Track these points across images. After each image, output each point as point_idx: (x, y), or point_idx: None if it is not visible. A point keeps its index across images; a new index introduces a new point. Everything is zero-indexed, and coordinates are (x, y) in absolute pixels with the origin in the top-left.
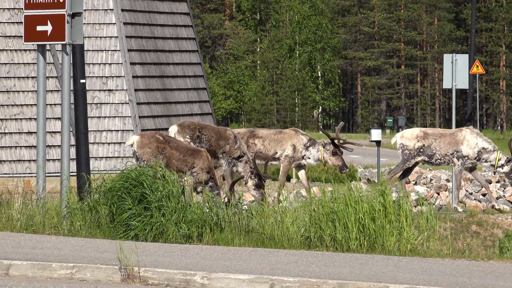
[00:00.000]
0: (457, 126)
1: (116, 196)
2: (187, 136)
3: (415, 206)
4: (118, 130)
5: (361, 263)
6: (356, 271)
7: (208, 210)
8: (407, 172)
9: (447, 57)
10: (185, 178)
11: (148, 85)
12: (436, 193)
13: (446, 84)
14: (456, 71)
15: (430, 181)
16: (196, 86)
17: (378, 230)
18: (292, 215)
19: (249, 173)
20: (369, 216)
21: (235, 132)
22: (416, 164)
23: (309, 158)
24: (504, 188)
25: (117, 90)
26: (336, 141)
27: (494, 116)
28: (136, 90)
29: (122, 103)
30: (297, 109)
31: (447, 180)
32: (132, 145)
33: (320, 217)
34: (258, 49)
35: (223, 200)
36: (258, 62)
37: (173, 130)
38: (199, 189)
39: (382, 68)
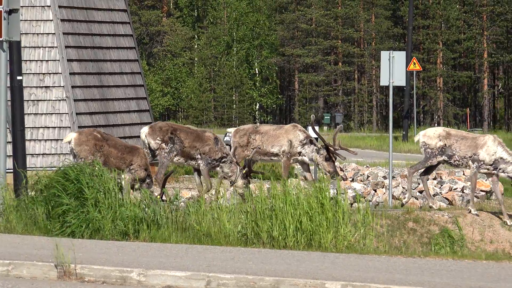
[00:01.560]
0: (394, 123)
1: (53, 193)
2: (158, 138)
3: (352, 203)
4: (55, 127)
5: (298, 260)
6: (292, 268)
7: (145, 207)
8: (429, 170)
9: (384, 54)
10: (123, 176)
11: (85, 82)
12: (373, 190)
13: (383, 81)
14: (393, 68)
15: (367, 178)
16: (133, 83)
17: (315, 227)
18: (229, 212)
19: (238, 172)
20: (306, 213)
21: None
22: (438, 163)
23: (305, 156)
24: (441, 185)
25: (54, 87)
26: (331, 147)
27: (431, 113)
28: (73, 87)
29: (59, 100)
30: (234, 106)
31: (384, 177)
32: (69, 142)
33: (257, 214)
34: (196, 46)
35: (158, 196)
36: (196, 59)
37: (143, 132)
38: (136, 186)
39: (319, 65)
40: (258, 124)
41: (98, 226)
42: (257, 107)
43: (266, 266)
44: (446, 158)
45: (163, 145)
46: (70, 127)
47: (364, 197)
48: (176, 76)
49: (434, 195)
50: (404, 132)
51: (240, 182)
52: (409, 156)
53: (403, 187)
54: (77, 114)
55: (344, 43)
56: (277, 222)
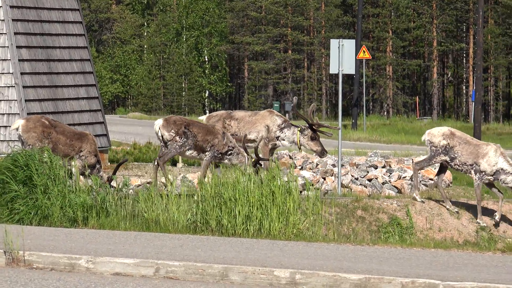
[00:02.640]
0: (343, 112)
1: (1, 179)
2: (172, 131)
3: (302, 191)
4: (3, 114)
5: (247, 248)
6: (241, 256)
7: (94, 194)
8: (441, 170)
9: (334, 42)
10: (73, 163)
11: (34, 69)
12: (322, 178)
13: (333, 69)
14: (343, 56)
15: (316, 166)
16: (82, 70)
17: (264, 215)
18: (178, 200)
19: (248, 160)
20: (256, 201)
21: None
22: (442, 162)
23: (284, 140)
24: (390, 174)
25: (3, 73)
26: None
27: (380, 102)
28: (22, 73)
29: (8, 87)
30: (184, 93)
31: (333, 165)
32: (17, 129)
33: (207, 202)
34: (145, 33)
35: (105, 182)
36: (145, 46)
37: (158, 124)
38: (86, 173)
39: (269, 53)
40: (231, 110)
41: (47, 213)
42: (207, 94)
43: (215, 253)
44: (448, 159)
45: (177, 138)
46: (19, 113)
47: (313, 185)
48: (125, 63)
49: (383, 183)
50: (353, 120)
51: (250, 170)
52: (358, 144)
53: (352, 175)
54: (26, 101)
55: (293, 31)
56: (227, 210)
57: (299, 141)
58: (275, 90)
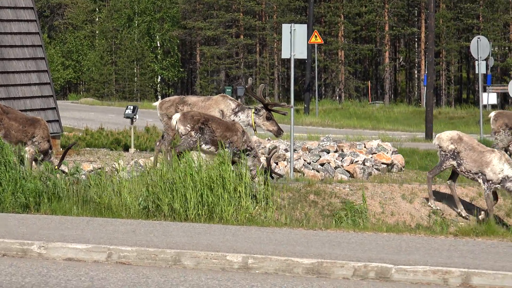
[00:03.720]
0: (295, 96)
1: None
2: (188, 126)
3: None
4: None
5: (199, 233)
6: (194, 241)
7: (46, 180)
8: (454, 175)
9: (285, 27)
10: (26, 148)
11: None
12: (275, 162)
13: (285, 54)
14: (295, 41)
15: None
16: (34, 55)
17: (216, 200)
18: (130, 185)
19: (260, 168)
20: (208, 186)
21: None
22: (452, 167)
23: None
24: (342, 158)
25: None
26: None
27: (332, 86)
28: None
29: None
30: (136, 79)
31: (286, 150)
32: None
33: (159, 187)
34: (97, 19)
35: (56, 167)
36: (97, 32)
37: (175, 118)
38: (39, 159)
39: (221, 38)
40: (184, 95)
41: None
42: (159, 80)
43: (167, 238)
44: (455, 165)
45: (192, 132)
46: None
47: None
48: (77, 49)
49: (335, 168)
50: (305, 105)
51: (260, 178)
52: (311, 129)
53: (304, 160)
54: None
55: (245, 16)
56: (179, 194)
57: (254, 122)
58: (227, 75)
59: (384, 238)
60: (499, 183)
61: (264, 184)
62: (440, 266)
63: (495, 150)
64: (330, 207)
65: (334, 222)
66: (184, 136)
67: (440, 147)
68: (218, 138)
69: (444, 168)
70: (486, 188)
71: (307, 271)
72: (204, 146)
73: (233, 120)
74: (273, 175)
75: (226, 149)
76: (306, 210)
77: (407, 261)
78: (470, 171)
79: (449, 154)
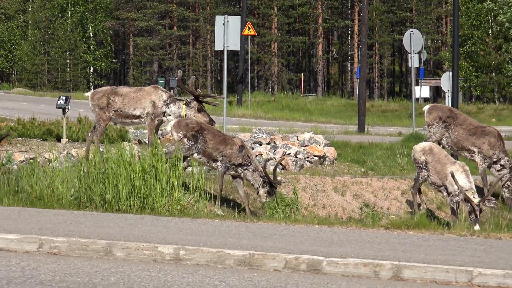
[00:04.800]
0: (228, 88)
1: None
2: (181, 133)
3: (186, 167)
4: None
5: (131, 224)
6: (125, 232)
7: None
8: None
9: (219, 19)
10: None
11: None
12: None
13: (218, 46)
14: (228, 33)
15: None
16: None
17: (148, 191)
18: (62, 175)
19: (261, 181)
20: (140, 177)
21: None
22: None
23: (170, 115)
24: (275, 150)
25: None
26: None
27: (265, 78)
28: None
29: None
30: (68, 69)
31: None
32: None
33: (91, 178)
34: (30, 9)
35: None
36: (30, 21)
37: (170, 124)
38: None
39: (154, 29)
40: (116, 86)
41: None
42: (91, 70)
43: (99, 229)
44: (427, 176)
45: (185, 140)
46: None
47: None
48: (9, 38)
49: (267, 160)
50: (238, 97)
51: (261, 191)
52: (243, 121)
53: None
54: None
55: (179, 7)
56: (110, 185)
57: (186, 114)
58: (160, 66)
59: (315, 231)
60: (457, 195)
61: (270, 195)
62: (371, 259)
63: (456, 162)
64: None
65: (266, 214)
66: (177, 143)
67: (414, 158)
68: (210, 150)
69: (421, 180)
70: (449, 202)
71: (239, 263)
72: (196, 155)
73: (164, 112)
74: (274, 184)
75: (218, 163)
76: (238, 202)
77: (339, 254)
78: (435, 183)
79: (421, 166)
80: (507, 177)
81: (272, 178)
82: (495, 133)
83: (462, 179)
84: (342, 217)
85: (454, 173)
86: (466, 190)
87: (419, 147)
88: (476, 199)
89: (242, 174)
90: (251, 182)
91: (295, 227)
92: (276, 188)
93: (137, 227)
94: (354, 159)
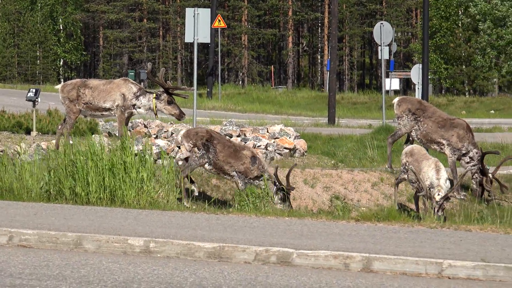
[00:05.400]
0: (198, 80)
1: None
2: (191, 142)
3: (156, 160)
4: None
5: (101, 216)
6: (95, 224)
7: None
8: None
9: (189, 11)
10: None
11: None
12: (177, 147)
13: (188, 38)
14: (198, 25)
15: (171, 134)
16: None
17: (118, 184)
18: (32, 168)
19: (274, 188)
20: (109, 170)
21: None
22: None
23: (140, 108)
24: (245, 142)
25: None
26: (170, 90)
27: (235, 71)
28: None
29: None
30: (38, 61)
31: None
32: None
33: (61, 170)
34: (0, 2)
35: None
36: (0, 14)
37: (180, 133)
38: None
39: (124, 21)
40: (86, 78)
41: None
42: (61, 63)
43: (69, 222)
44: (406, 177)
45: (195, 149)
46: None
47: (168, 154)
48: None
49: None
50: (208, 89)
51: (275, 198)
52: (213, 113)
53: None
54: None
55: None
56: (80, 178)
57: (156, 107)
58: (130, 58)
59: (286, 223)
60: (430, 189)
61: (283, 201)
62: (341, 251)
63: (431, 158)
64: (232, 191)
65: (236, 207)
66: (189, 153)
67: (401, 160)
68: (221, 163)
69: (402, 178)
70: (423, 194)
71: (209, 255)
72: (207, 166)
73: (134, 104)
74: (288, 190)
75: (236, 178)
76: (208, 194)
77: (309, 246)
78: (411, 180)
79: (401, 168)
80: (475, 169)
81: (285, 183)
82: (464, 125)
83: (432, 175)
84: (312, 209)
85: (426, 169)
86: (433, 187)
87: (404, 150)
88: (438, 196)
89: (258, 186)
90: (266, 191)
91: (265, 220)
92: (289, 194)
93: (107, 220)
94: (324, 151)
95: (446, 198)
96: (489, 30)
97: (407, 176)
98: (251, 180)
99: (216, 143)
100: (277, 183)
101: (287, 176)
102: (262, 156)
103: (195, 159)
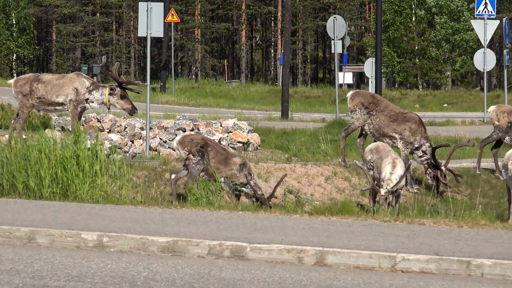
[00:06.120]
0: (152, 75)
1: None
2: (186, 149)
3: (109, 154)
4: None
5: (54, 211)
6: (48, 219)
7: None
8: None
9: (142, 5)
10: None
11: None
12: (131, 141)
13: (141, 32)
14: (151, 19)
15: (125, 129)
16: None
17: (71, 178)
18: None
19: (253, 198)
20: (61, 164)
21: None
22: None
23: (93, 102)
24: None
25: None
26: (124, 84)
27: (189, 65)
28: None
29: None
30: None
31: (141, 129)
32: None
33: (13, 165)
34: None
35: None
36: None
37: (176, 140)
38: None
39: (77, 15)
40: (39, 73)
41: None
42: (14, 57)
43: (21, 216)
44: (373, 174)
45: (191, 156)
46: None
47: (121, 148)
48: None
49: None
50: (162, 84)
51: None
52: (167, 108)
53: (160, 138)
54: None
55: None
56: (33, 172)
57: (108, 101)
58: (83, 53)
59: (239, 217)
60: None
61: (249, 198)
62: (295, 245)
63: (391, 155)
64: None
65: (189, 201)
66: (187, 161)
67: (365, 159)
68: (211, 168)
69: (370, 178)
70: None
71: (162, 250)
72: (200, 172)
73: (87, 99)
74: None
75: (223, 184)
76: (161, 189)
77: (262, 240)
78: (376, 178)
79: (367, 166)
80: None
81: (272, 191)
82: (416, 119)
83: (387, 170)
84: None
85: (384, 165)
86: (383, 181)
87: (368, 147)
88: (383, 190)
89: (244, 192)
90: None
91: (219, 214)
92: (267, 205)
93: (61, 214)
94: (278, 145)
95: (391, 192)
96: (446, 24)
97: (373, 173)
98: (237, 186)
99: (210, 149)
100: (259, 194)
101: (276, 186)
102: None
103: (193, 166)
